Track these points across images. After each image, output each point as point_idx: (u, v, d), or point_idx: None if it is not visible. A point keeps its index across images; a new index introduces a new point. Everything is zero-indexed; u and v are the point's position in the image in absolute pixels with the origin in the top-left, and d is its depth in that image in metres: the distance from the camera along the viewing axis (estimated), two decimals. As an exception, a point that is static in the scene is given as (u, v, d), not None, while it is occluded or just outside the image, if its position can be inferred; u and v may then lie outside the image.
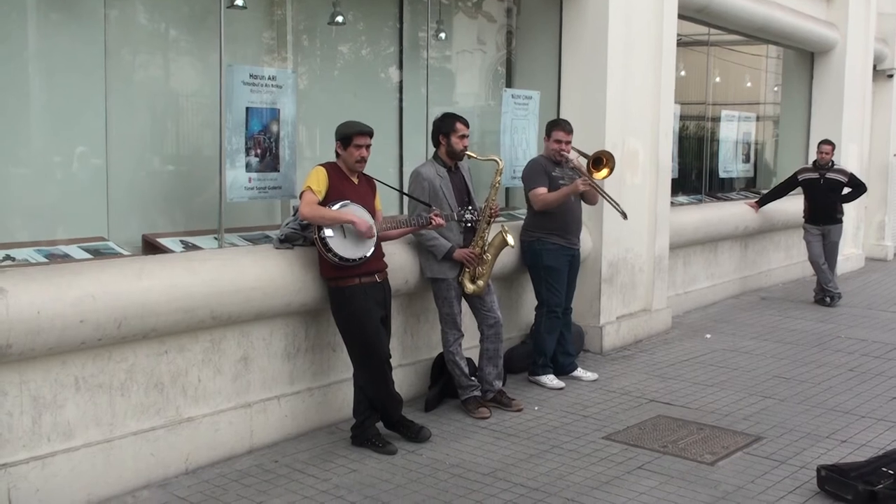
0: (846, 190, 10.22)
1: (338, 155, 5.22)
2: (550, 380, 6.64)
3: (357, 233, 5.05)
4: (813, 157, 10.67)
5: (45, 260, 4.67)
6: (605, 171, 6.59)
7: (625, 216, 6.78)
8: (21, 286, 4.12)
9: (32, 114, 5.16)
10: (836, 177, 10.11)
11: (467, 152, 5.94)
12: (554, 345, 6.73)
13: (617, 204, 6.73)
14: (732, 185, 11.83)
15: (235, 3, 5.62)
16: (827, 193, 10.10)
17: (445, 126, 5.89)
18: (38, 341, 4.13)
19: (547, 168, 6.60)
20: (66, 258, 4.76)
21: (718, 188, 11.40)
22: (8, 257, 4.59)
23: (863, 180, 10.61)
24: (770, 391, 6.59)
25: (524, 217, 6.92)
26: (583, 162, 6.72)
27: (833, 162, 10.19)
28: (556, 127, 6.67)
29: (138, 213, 5.58)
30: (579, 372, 6.86)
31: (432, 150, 6.16)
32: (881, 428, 5.77)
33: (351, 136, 5.15)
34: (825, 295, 10.18)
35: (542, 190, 6.51)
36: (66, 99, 5.22)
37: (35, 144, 5.16)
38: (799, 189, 10.40)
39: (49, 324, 4.13)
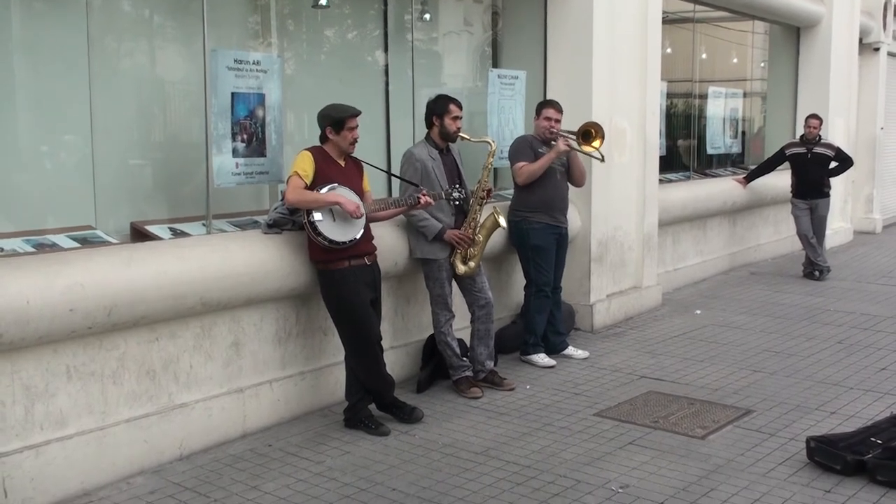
0: (833, 164, 10.25)
1: (325, 139, 5.22)
2: (542, 358, 6.67)
3: (345, 213, 5.05)
4: (800, 131, 10.70)
5: (34, 250, 4.67)
6: (597, 142, 6.58)
7: (602, 159, 6.76)
8: (10, 276, 4.12)
9: (17, 103, 5.13)
10: (823, 151, 10.14)
11: (460, 134, 5.95)
12: (544, 324, 6.76)
13: (598, 151, 6.66)
14: (720, 161, 11.85)
15: (218, -12, 5.59)
16: (814, 168, 10.13)
17: (439, 107, 5.89)
18: (29, 330, 4.13)
19: (533, 145, 6.61)
20: (54, 247, 4.75)
21: (706, 165, 11.42)
22: (-4, 247, 4.58)
23: (850, 154, 10.65)
24: (760, 365, 6.64)
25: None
26: (572, 139, 6.70)
27: (820, 136, 10.22)
28: (547, 105, 6.70)
29: (126, 200, 5.56)
30: (570, 350, 6.89)
31: (420, 133, 6.16)
32: (869, 399, 5.82)
33: (343, 119, 5.16)
34: (814, 269, 10.23)
35: (522, 163, 6.54)
36: (50, 87, 5.19)
37: (20, 134, 5.13)
38: (786, 164, 10.42)
39: (39, 313, 4.14)
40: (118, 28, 5.60)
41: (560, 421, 5.46)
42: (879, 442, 4.67)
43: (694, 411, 5.62)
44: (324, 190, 5.07)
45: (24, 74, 5.11)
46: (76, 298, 4.28)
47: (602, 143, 6.59)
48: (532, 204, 6.61)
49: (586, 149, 6.64)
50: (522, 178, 6.54)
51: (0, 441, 4.17)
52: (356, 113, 5.22)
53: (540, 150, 6.58)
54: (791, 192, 10.34)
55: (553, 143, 6.58)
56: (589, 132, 6.59)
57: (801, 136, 10.32)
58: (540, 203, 6.60)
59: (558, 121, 6.62)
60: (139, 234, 5.31)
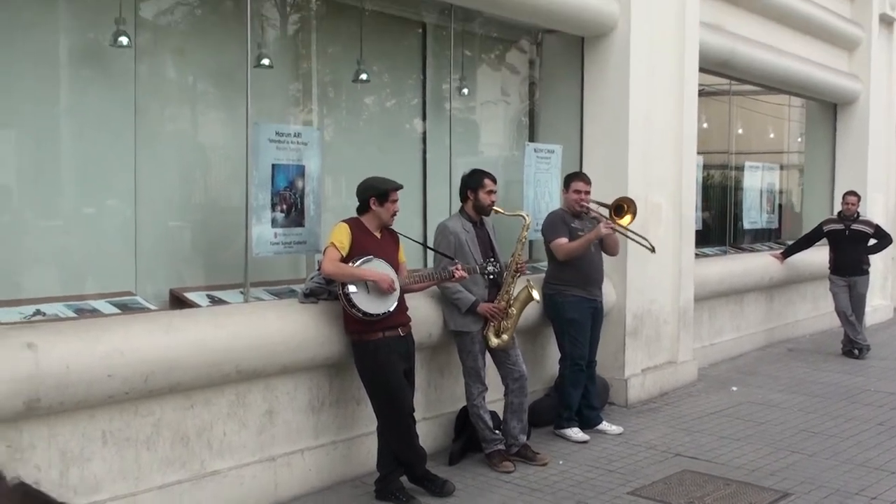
0: (872, 241, 10.16)
1: (365, 210, 5.29)
2: (576, 433, 6.60)
3: (379, 290, 5.10)
4: (838, 207, 10.64)
5: (74, 315, 4.75)
6: (627, 218, 6.62)
7: (652, 249, 6.78)
8: (51, 341, 4.18)
9: (63, 168, 5.28)
10: (861, 228, 10.07)
11: (494, 207, 6.00)
12: (579, 398, 6.70)
13: (642, 238, 6.73)
14: (757, 236, 11.79)
15: (262, 63, 5.75)
16: (853, 244, 10.05)
17: (473, 181, 5.97)
18: (67, 395, 4.18)
19: (566, 219, 6.64)
20: (94, 313, 4.83)
21: (742, 239, 11.38)
22: (38, 312, 4.67)
23: (888, 231, 10.56)
24: (798, 446, 6.51)
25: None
26: (603, 212, 6.74)
27: (858, 213, 10.16)
28: (575, 178, 6.73)
29: (165, 266, 5.66)
30: (604, 425, 6.81)
31: (456, 201, 6.22)
32: (912, 484, 5.69)
33: (388, 191, 5.26)
34: (853, 347, 10.08)
35: (564, 240, 6.54)
36: (96, 153, 5.34)
37: (65, 198, 5.27)
38: (824, 240, 10.35)
39: (78, 378, 4.19)
40: (164, 97, 5.77)
41: (593, 499, 5.38)
42: (922, 530, 4.55)
43: (730, 492, 5.51)
44: (359, 262, 5.13)
45: (72, 140, 5.28)
46: (115, 364, 4.34)
47: (634, 218, 6.62)
48: (567, 278, 6.61)
49: (630, 234, 6.66)
50: (562, 256, 6.54)
51: (33, 505, 4.18)
52: (399, 187, 5.34)
53: (573, 225, 6.61)
54: (829, 268, 10.24)
55: (585, 213, 6.62)
56: (621, 206, 6.62)
57: (839, 213, 10.26)
58: (575, 277, 6.60)
59: (588, 192, 6.65)
60: (178, 301, 5.38)
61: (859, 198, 10.20)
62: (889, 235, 10.37)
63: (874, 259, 10.57)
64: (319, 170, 5.85)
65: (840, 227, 10.11)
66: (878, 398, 8.06)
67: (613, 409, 7.42)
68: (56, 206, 5.22)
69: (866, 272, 10.17)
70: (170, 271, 5.66)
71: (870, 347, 10.13)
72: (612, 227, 6.51)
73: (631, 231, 6.72)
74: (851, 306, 10.05)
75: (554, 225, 6.65)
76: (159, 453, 4.71)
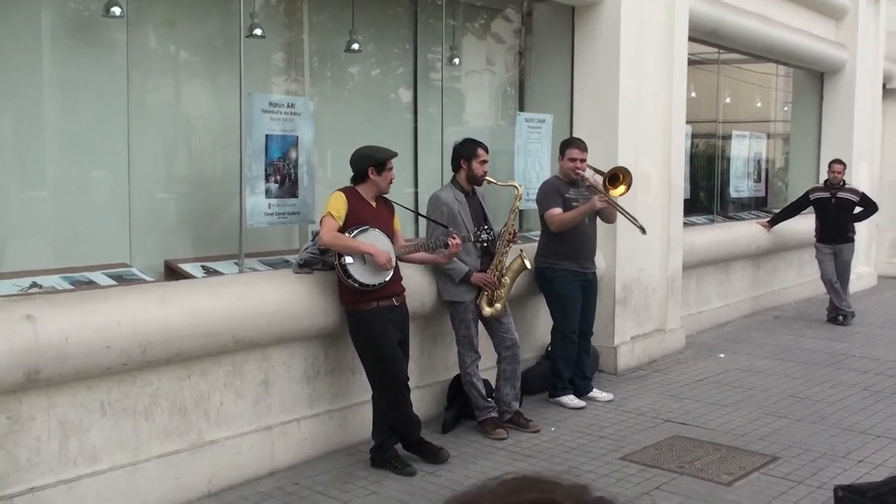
0: (857, 209, 10.25)
1: (362, 180, 5.31)
2: (571, 399, 6.68)
3: (376, 264, 5.14)
4: (824, 176, 10.72)
5: (71, 287, 4.76)
6: (622, 188, 6.61)
7: (643, 231, 6.81)
8: (49, 313, 4.21)
9: (56, 140, 5.27)
10: (847, 196, 10.16)
11: (487, 177, 6.03)
12: (570, 370, 6.77)
13: (635, 219, 6.76)
14: (744, 204, 11.87)
15: (254, 33, 5.73)
16: (838, 213, 10.14)
17: (467, 151, 5.98)
18: (66, 367, 4.21)
19: (560, 189, 6.64)
20: (91, 284, 4.85)
21: (729, 208, 11.45)
22: (35, 284, 4.68)
23: (874, 199, 10.65)
24: (785, 411, 6.62)
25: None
26: (598, 179, 6.76)
27: (844, 181, 10.24)
28: (571, 145, 6.69)
29: (160, 238, 5.67)
30: (595, 392, 6.90)
31: (447, 171, 6.24)
32: (897, 447, 5.80)
33: (385, 160, 5.28)
34: (838, 314, 10.20)
35: (558, 210, 6.54)
36: (89, 126, 5.33)
37: (59, 171, 5.27)
38: (810, 208, 10.44)
39: (76, 350, 4.22)
40: (156, 68, 5.75)
41: (586, 464, 5.47)
42: (908, 492, 4.64)
43: (720, 457, 5.61)
44: (356, 231, 5.16)
45: (64, 112, 5.26)
46: (112, 336, 4.36)
47: (628, 189, 6.63)
48: (559, 251, 6.61)
49: (623, 213, 6.68)
50: (556, 226, 6.52)
51: (34, 475, 4.23)
52: (395, 154, 5.39)
53: (567, 194, 6.61)
54: (815, 236, 10.34)
55: (580, 181, 6.63)
56: (616, 176, 6.63)
57: (826, 181, 10.34)
58: (567, 250, 6.60)
59: (583, 160, 6.64)
60: (172, 272, 5.40)
61: (845, 166, 10.29)
62: (874, 203, 10.46)
63: (859, 227, 10.66)
64: (312, 140, 5.85)
65: (826, 195, 10.19)
66: (862, 364, 8.18)
67: (603, 377, 7.50)
68: (49, 178, 5.22)
69: (851, 240, 10.27)
70: (164, 243, 5.67)
71: (854, 314, 10.26)
72: (606, 201, 6.52)
73: (624, 210, 6.72)
74: (836, 274, 10.16)
75: (548, 195, 6.64)
76: (157, 423, 4.75)
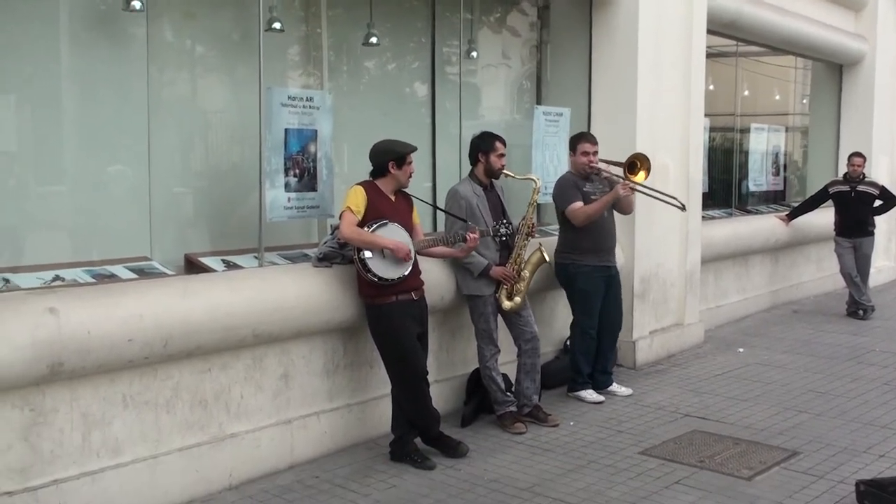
0: (877, 202, 10.18)
1: (381, 174, 5.31)
2: (590, 394, 6.67)
3: (395, 258, 5.14)
4: (843, 169, 10.65)
5: (93, 280, 4.79)
6: (641, 175, 6.51)
7: (683, 207, 6.75)
8: (72, 306, 4.23)
9: (76, 134, 5.29)
10: (867, 189, 10.08)
11: (505, 171, 6.01)
12: (590, 365, 6.74)
13: (671, 197, 6.68)
14: (762, 198, 11.81)
15: (273, 27, 5.73)
16: (858, 206, 10.07)
17: (485, 144, 5.97)
18: (89, 360, 4.24)
19: (577, 184, 6.60)
20: (112, 278, 4.87)
21: (748, 201, 11.39)
22: (57, 277, 4.70)
23: (894, 193, 10.57)
24: (805, 405, 6.59)
25: (557, 234, 6.94)
26: (614, 170, 6.71)
27: (864, 174, 10.17)
28: (582, 139, 6.63)
29: (180, 232, 5.69)
30: (614, 387, 6.88)
31: (465, 164, 6.23)
32: (919, 442, 5.77)
33: (405, 154, 5.29)
34: (858, 308, 10.14)
35: (579, 204, 6.47)
36: (108, 120, 5.34)
37: (79, 165, 5.29)
38: (829, 202, 10.37)
39: (99, 343, 4.25)
40: (176, 62, 5.76)
41: (605, 458, 5.46)
42: (931, 487, 4.62)
43: (739, 451, 5.59)
44: (375, 226, 5.16)
45: (85, 106, 5.27)
46: (135, 329, 4.39)
47: (648, 174, 6.55)
48: (581, 246, 6.55)
49: (655, 193, 6.64)
50: (581, 220, 6.45)
51: (58, 467, 4.26)
52: (415, 149, 5.38)
53: (585, 189, 6.58)
54: (834, 230, 10.28)
55: (595, 175, 6.60)
56: (634, 163, 6.54)
57: (845, 175, 10.27)
58: (589, 245, 6.55)
59: (595, 153, 6.59)
60: (192, 266, 5.42)
61: (865, 159, 10.21)
62: (894, 196, 10.38)
63: (879, 220, 10.59)
64: (331, 134, 5.86)
65: (846, 188, 10.12)
66: (883, 358, 8.13)
67: (621, 371, 7.48)
68: (69, 172, 5.24)
69: (871, 234, 10.20)
70: (184, 236, 5.69)
71: (874, 308, 10.19)
72: (630, 188, 6.47)
73: (658, 192, 6.66)
74: (856, 268, 10.10)
75: (566, 191, 6.59)
76: (178, 416, 4.77)
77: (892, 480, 4.78)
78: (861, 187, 10.07)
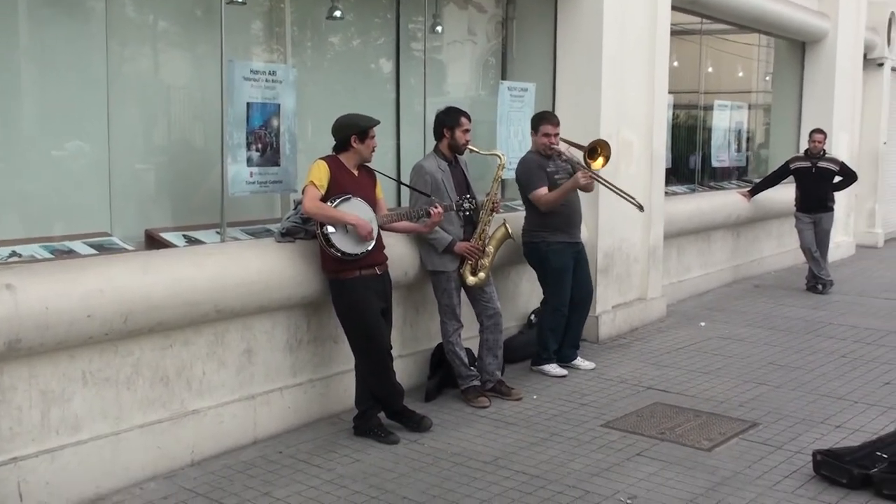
0: (837, 178, 10.31)
1: (344, 148, 5.28)
2: (553, 368, 6.71)
3: (357, 235, 5.12)
4: (804, 145, 10.76)
5: (51, 256, 4.72)
6: (600, 161, 6.55)
7: (641, 208, 6.83)
8: (29, 282, 4.17)
9: (34, 109, 5.19)
10: (827, 165, 10.21)
11: (469, 146, 6.00)
12: (557, 341, 6.78)
13: (631, 197, 6.76)
14: (725, 174, 11.90)
15: (235, 0, 5.65)
16: (819, 182, 10.20)
17: (450, 120, 5.95)
18: (47, 336, 4.18)
19: (541, 164, 6.60)
20: (71, 254, 4.80)
21: (711, 177, 11.48)
22: (14, 253, 4.62)
23: (853, 168, 10.71)
24: (764, 378, 6.69)
25: (522, 210, 6.95)
26: (576, 153, 6.74)
27: (825, 151, 10.29)
28: (543, 120, 6.62)
29: (140, 207, 5.61)
30: (578, 361, 6.93)
31: (430, 141, 6.21)
32: (874, 413, 5.87)
33: (367, 128, 5.26)
34: (817, 282, 10.29)
35: (543, 190, 6.48)
36: (67, 94, 5.24)
37: (37, 140, 5.19)
38: (790, 177, 10.48)
39: (57, 319, 4.19)
40: (135, 36, 5.66)
41: (568, 431, 5.51)
42: (885, 456, 4.71)
43: (700, 423, 5.67)
44: (338, 200, 5.13)
45: (42, 81, 5.17)
46: (94, 305, 4.34)
47: (606, 161, 6.58)
48: (550, 224, 6.56)
49: (616, 189, 6.72)
50: (545, 207, 6.48)
51: (16, 445, 4.21)
52: (377, 122, 5.34)
53: (549, 169, 6.58)
54: (795, 205, 10.40)
55: (556, 156, 6.60)
56: (595, 149, 6.57)
57: (806, 151, 10.39)
58: (558, 222, 6.56)
59: (557, 134, 6.60)
60: (153, 241, 5.36)
61: (826, 136, 10.33)
62: (854, 173, 10.53)
63: (838, 196, 10.74)
64: (294, 108, 5.81)
65: (807, 164, 10.24)
66: (840, 331, 8.27)
67: (585, 345, 7.51)
68: (27, 147, 5.13)
69: (831, 209, 10.35)
70: (144, 212, 5.61)
71: (833, 282, 10.35)
72: (589, 177, 6.49)
73: (618, 190, 6.72)
74: (816, 242, 10.24)
75: (531, 174, 6.56)
76: (139, 393, 4.73)
77: (848, 450, 4.88)
78: (822, 163, 10.19)
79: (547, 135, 6.55)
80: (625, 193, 6.79)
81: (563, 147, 6.69)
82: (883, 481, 4.52)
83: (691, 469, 4.91)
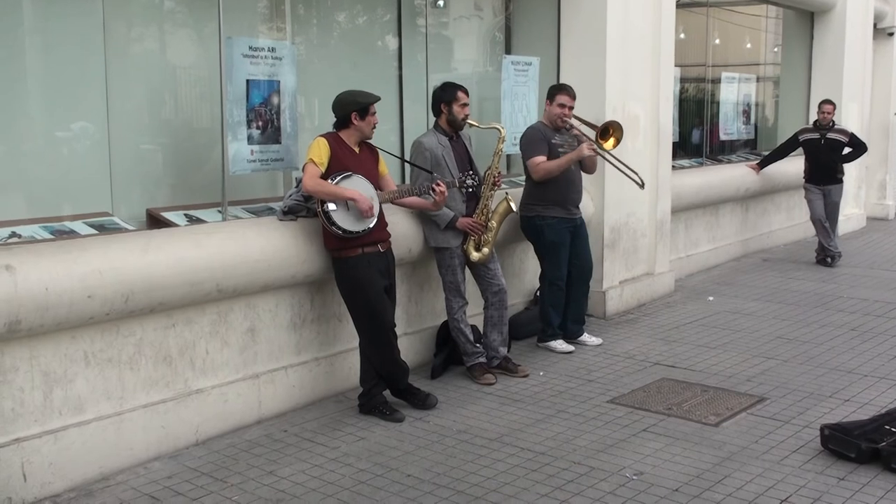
0: (847, 150, 10.21)
1: (345, 125, 5.23)
2: (560, 344, 6.68)
3: (358, 211, 5.07)
4: (813, 117, 10.64)
5: (51, 236, 4.69)
6: (611, 141, 6.49)
7: (642, 185, 6.76)
8: (29, 263, 4.15)
9: (32, 89, 5.15)
10: (836, 136, 10.10)
11: (468, 121, 5.94)
12: (560, 316, 6.75)
13: (634, 172, 6.70)
14: (733, 147, 11.81)
15: (233, -25, 5.59)
16: (828, 153, 10.09)
17: (447, 95, 5.88)
18: (48, 317, 4.16)
19: (546, 135, 6.53)
20: (71, 234, 4.78)
21: (719, 151, 11.39)
22: (14, 234, 4.60)
23: (863, 140, 10.59)
24: (773, 352, 6.64)
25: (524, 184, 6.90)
26: (585, 129, 6.67)
27: (834, 122, 10.18)
28: (561, 91, 6.56)
29: (141, 187, 5.58)
30: (584, 337, 6.89)
31: (433, 118, 6.15)
32: (883, 386, 5.82)
33: (367, 105, 5.20)
34: (826, 255, 10.21)
35: (541, 158, 6.44)
36: (65, 74, 5.20)
37: (36, 120, 5.15)
38: (799, 150, 10.38)
39: (57, 299, 4.17)
40: (134, 14, 5.61)
41: (574, 408, 5.48)
42: (894, 430, 4.67)
43: (707, 398, 5.63)
44: (339, 178, 5.09)
45: (40, 60, 5.13)
46: (94, 285, 4.31)
47: (617, 143, 6.52)
48: (547, 198, 6.51)
49: (619, 164, 6.64)
50: (540, 175, 6.43)
51: (19, 426, 4.21)
52: (378, 98, 5.29)
53: (553, 140, 6.52)
54: (804, 177, 10.31)
55: (566, 129, 6.54)
56: (607, 130, 6.49)
57: (815, 122, 10.28)
58: (555, 197, 6.51)
59: (571, 108, 6.55)
60: (155, 221, 5.33)
61: (835, 106, 10.21)
62: (863, 144, 10.41)
63: (849, 168, 10.64)
64: (295, 85, 5.75)
65: (816, 136, 10.14)
66: (850, 304, 8.20)
67: (592, 321, 7.49)
68: (26, 128, 5.10)
69: (840, 181, 10.25)
70: (146, 191, 5.58)
71: (841, 255, 10.27)
72: (594, 150, 6.42)
73: (622, 163, 6.66)
74: (826, 215, 10.15)
75: (533, 141, 6.51)
76: (142, 373, 4.72)
77: (856, 424, 4.84)
78: (831, 134, 10.08)
79: (563, 105, 6.48)
80: (629, 169, 6.72)
81: (575, 123, 6.61)
82: (891, 455, 4.48)
83: (698, 444, 4.87)
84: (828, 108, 10.08)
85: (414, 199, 5.68)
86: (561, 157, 6.43)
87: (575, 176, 6.64)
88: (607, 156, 6.64)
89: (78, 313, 4.29)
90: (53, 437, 4.29)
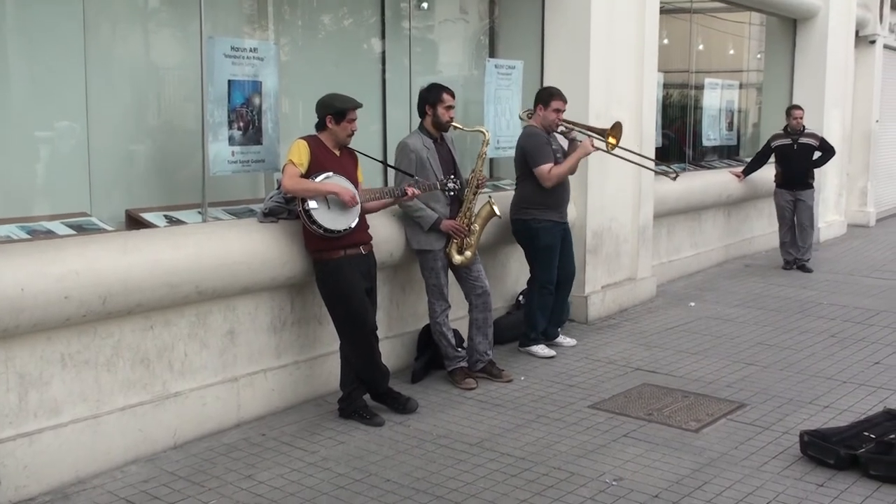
0: (817, 154, 10.27)
1: (323, 128, 5.20)
2: (542, 349, 6.67)
3: (341, 202, 5.04)
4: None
5: (28, 236, 4.63)
6: (613, 141, 6.67)
7: (676, 176, 6.82)
8: (4, 263, 4.10)
9: (11, 88, 5.08)
10: (808, 141, 10.20)
11: (453, 123, 5.92)
12: (546, 320, 6.74)
13: (666, 167, 6.80)
14: (715, 153, 11.84)
15: (216, -26, 5.55)
16: (800, 158, 10.18)
17: (432, 97, 5.86)
18: (23, 318, 4.11)
19: (548, 140, 6.55)
20: (48, 234, 4.72)
21: (702, 157, 11.42)
22: (-11, 234, 4.55)
23: (832, 145, 10.62)
24: (753, 358, 6.65)
25: (510, 188, 6.89)
26: (576, 135, 6.73)
27: (805, 127, 10.24)
28: (556, 96, 6.54)
29: (120, 187, 5.52)
30: (560, 338, 6.90)
31: (416, 121, 6.13)
32: (862, 393, 5.84)
33: (345, 111, 5.15)
34: (795, 262, 10.28)
35: (550, 165, 6.42)
36: (45, 73, 5.14)
37: (14, 119, 5.08)
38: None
39: (33, 300, 4.12)
40: (114, 13, 5.55)
41: (554, 413, 5.46)
42: (873, 436, 4.68)
43: (688, 404, 5.63)
44: (319, 178, 5.06)
45: (19, 60, 5.06)
46: (71, 286, 4.26)
47: (617, 143, 6.71)
48: (542, 201, 6.49)
49: (620, 152, 6.78)
50: (553, 182, 6.40)
51: (-7, 428, 4.16)
52: (358, 105, 5.24)
53: (553, 146, 6.55)
54: (775, 182, 10.37)
55: (558, 133, 6.57)
56: (605, 130, 6.67)
57: (786, 128, 10.33)
58: (550, 200, 6.49)
59: (564, 111, 6.58)
60: (134, 222, 5.27)
61: (803, 111, 10.28)
62: (833, 148, 10.52)
63: (830, 174, 10.70)
64: (277, 86, 5.71)
65: (788, 141, 10.21)
66: (830, 311, 8.23)
67: (573, 326, 7.49)
68: (3, 127, 5.04)
69: (812, 186, 10.33)
70: (125, 192, 5.52)
71: (801, 263, 10.29)
72: (594, 145, 6.56)
73: (645, 157, 6.78)
74: (801, 219, 10.21)
75: (540, 149, 6.45)
76: (120, 375, 4.67)
77: (835, 431, 4.85)
78: (802, 139, 10.16)
79: (557, 110, 6.50)
80: (656, 165, 6.87)
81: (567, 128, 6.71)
82: (870, 462, 4.49)
83: (678, 450, 4.87)
84: (798, 112, 10.17)
85: (379, 202, 5.59)
86: (569, 159, 6.48)
87: (566, 179, 6.64)
88: (606, 149, 6.73)
89: (54, 314, 4.24)
90: (28, 439, 4.24)
